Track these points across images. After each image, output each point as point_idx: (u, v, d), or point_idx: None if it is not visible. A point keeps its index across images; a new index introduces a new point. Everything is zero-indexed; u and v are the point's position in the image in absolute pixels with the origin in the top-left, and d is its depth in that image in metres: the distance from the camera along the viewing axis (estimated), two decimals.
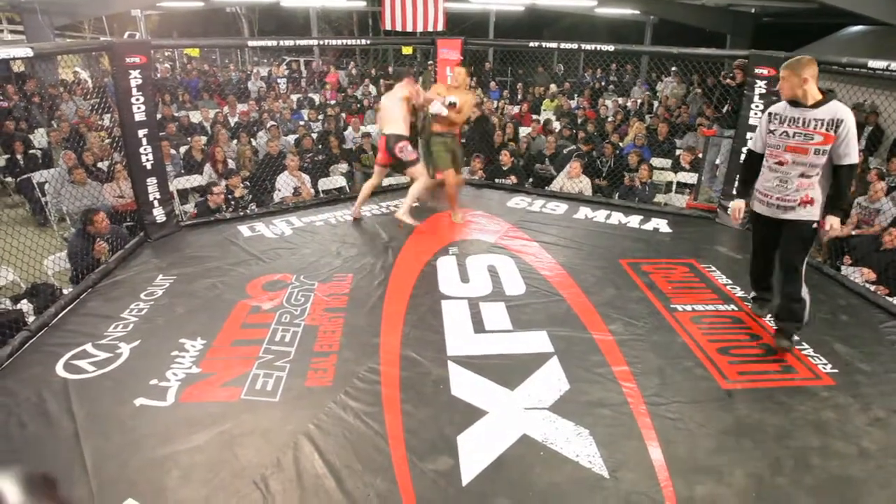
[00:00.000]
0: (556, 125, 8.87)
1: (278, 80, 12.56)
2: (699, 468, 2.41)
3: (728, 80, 5.94)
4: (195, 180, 6.35)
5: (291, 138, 7.81)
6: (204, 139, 7.42)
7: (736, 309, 3.68)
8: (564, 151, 7.21)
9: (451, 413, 2.68)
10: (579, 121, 9.23)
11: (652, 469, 2.40)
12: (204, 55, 17.16)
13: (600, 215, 5.35)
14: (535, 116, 9.67)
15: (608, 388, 2.88)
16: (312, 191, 6.03)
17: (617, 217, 5.32)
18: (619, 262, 4.27)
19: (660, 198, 6.52)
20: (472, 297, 3.70)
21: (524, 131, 8.54)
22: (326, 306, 3.58)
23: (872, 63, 4.14)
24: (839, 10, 8.12)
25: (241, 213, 5.20)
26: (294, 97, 11.32)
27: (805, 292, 3.15)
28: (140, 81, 4.30)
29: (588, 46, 5.65)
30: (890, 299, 3.94)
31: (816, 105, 2.93)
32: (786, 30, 13.25)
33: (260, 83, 12.36)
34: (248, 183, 6.00)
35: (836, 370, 3.09)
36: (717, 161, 6.31)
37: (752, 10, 13.47)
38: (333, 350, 3.14)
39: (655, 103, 10.85)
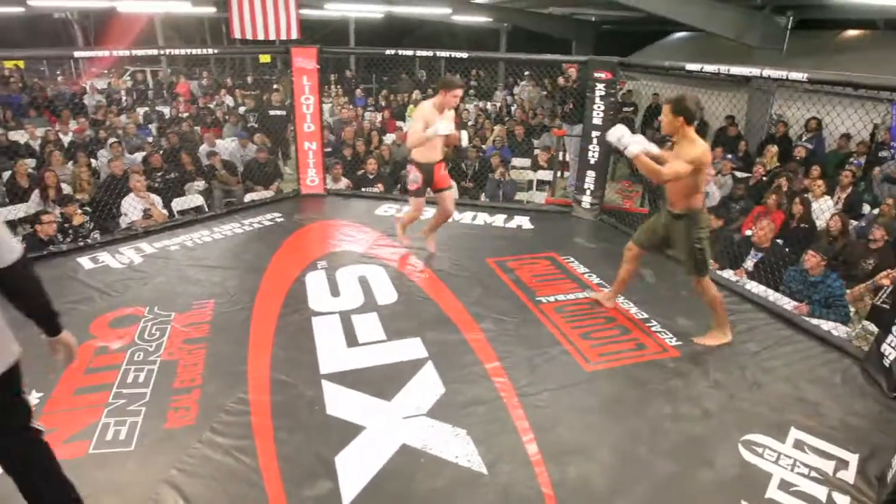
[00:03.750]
0: None
1: (120, 93, 11.50)
2: (569, 450, 2.56)
3: (562, 80, 6.39)
4: (21, 210, 5.58)
5: (139, 156, 7.17)
6: (31, 162, 6.59)
7: (593, 295, 3.97)
8: None
9: (327, 434, 2.60)
10: None
11: (527, 458, 2.50)
12: (31, 67, 15.20)
13: (467, 217, 5.51)
14: (399, 123, 9.75)
15: (482, 386, 2.96)
16: (165, 212, 5.58)
17: (483, 217, 5.51)
18: (487, 262, 4.42)
19: (521, 195, 6.86)
20: (343, 311, 3.63)
21: (390, 138, 8.57)
22: (186, 338, 3.32)
23: (689, 66, 4.65)
24: (663, 18, 9.08)
25: (81, 244, 4.67)
26: (140, 110, 10.43)
27: None
28: None
29: (443, 53, 5.81)
30: (720, 273, 4.47)
31: None
32: (623, 37, 14.55)
33: (98, 97, 11.23)
34: (88, 209, 5.41)
35: (680, 342, 3.44)
36: (568, 158, 6.77)
37: (593, 19, 14.65)
38: (196, 384, 2.91)
39: (514, 106, 11.42)
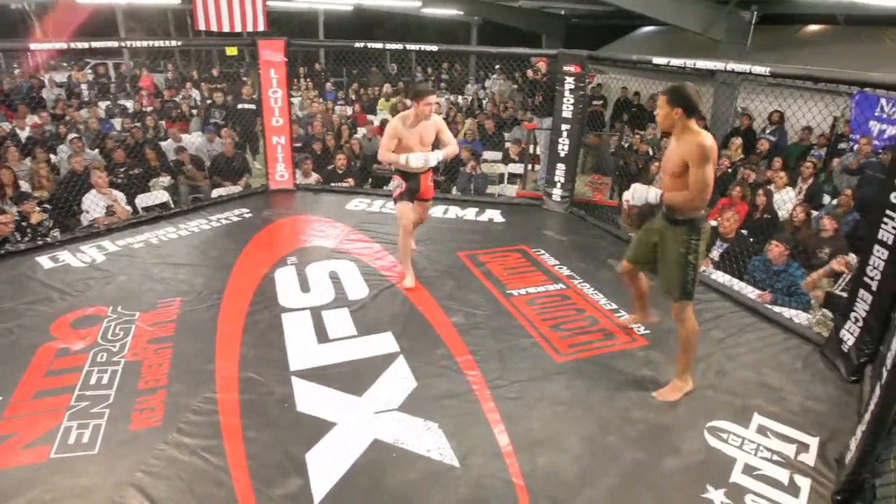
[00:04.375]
0: None
1: (80, 86, 11.15)
2: (539, 441, 2.58)
3: (531, 73, 6.39)
4: None
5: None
6: None
7: (564, 287, 4.00)
8: None
9: (297, 431, 2.58)
10: None
11: (498, 450, 2.52)
12: None
13: (438, 210, 5.48)
14: (370, 117, 9.67)
15: (454, 379, 2.97)
16: (129, 209, 5.43)
17: (454, 211, 5.51)
18: (458, 255, 4.43)
19: (493, 189, 6.88)
20: (313, 307, 3.59)
21: (361, 132, 8.50)
22: (151, 337, 3.24)
23: (656, 60, 4.70)
24: (632, 13, 9.19)
25: (40, 242, 4.52)
26: (102, 104, 10.13)
27: None
28: None
29: (413, 47, 5.76)
30: None
31: None
32: (592, 30, 14.66)
33: (58, 90, 10.87)
34: (47, 206, 5.23)
35: (648, 331, 3.49)
36: (538, 151, 6.80)
37: (562, 12, 14.72)
38: (161, 385, 2.85)
39: (485, 100, 11.41)
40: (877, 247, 2.95)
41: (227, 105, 8.91)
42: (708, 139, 2.55)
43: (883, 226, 2.90)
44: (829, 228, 4.59)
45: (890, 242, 2.87)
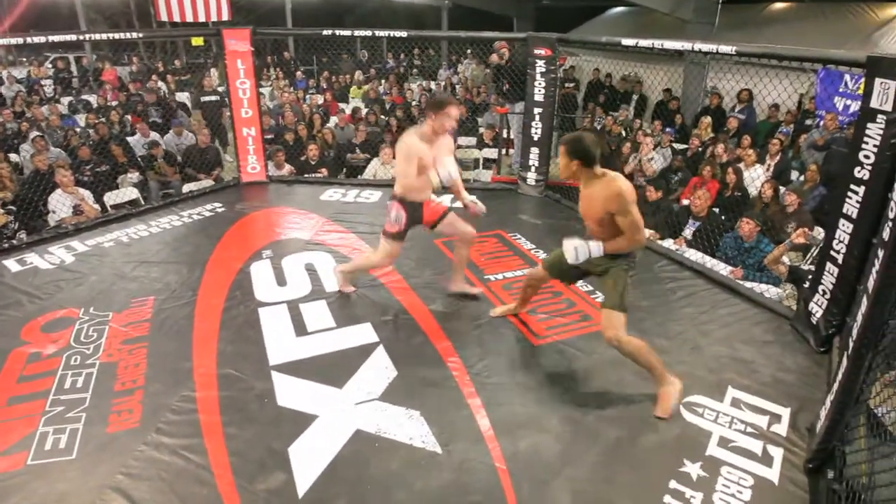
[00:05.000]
0: (364, 112, 8.87)
1: (41, 82, 10.79)
2: (521, 423, 2.62)
3: (496, 58, 6.33)
4: None
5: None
6: None
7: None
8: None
9: (278, 426, 2.57)
10: (387, 106, 9.33)
11: (480, 435, 2.54)
12: None
13: None
14: (341, 105, 9.55)
15: (434, 367, 2.98)
16: (97, 207, 5.31)
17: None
18: (435, 243, 4.42)
19: (468, 174, 6.87)
20: (290, 300, 3.57)
21: (333, 121, 8.40)
22: (125, 338, 3.19)
23: (625, 41, 4.72)
24: None
25: (6, 245, 4.40)
26: (65, 100, 9.83)
27: None
28: None
29: (382, 33, 5.70)
30: (661, 243, 4.63)
31: None
32: (564, 12, 14.63)
33: (17, 87, 10.51)
34: (12, 207, 5.09)
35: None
36: (512, 135, 6.78)
37: None
38: (138, 385, 2.81)
39: (458, 85, 11.36)
40: (842, 220, 3.02)
41: (161, 101, 8.57)
42: (622, 183, 2.60)
43: (847, 200, 2.97)
44: (792, 203, 4.70)
45: (854, 216, 2.94)
